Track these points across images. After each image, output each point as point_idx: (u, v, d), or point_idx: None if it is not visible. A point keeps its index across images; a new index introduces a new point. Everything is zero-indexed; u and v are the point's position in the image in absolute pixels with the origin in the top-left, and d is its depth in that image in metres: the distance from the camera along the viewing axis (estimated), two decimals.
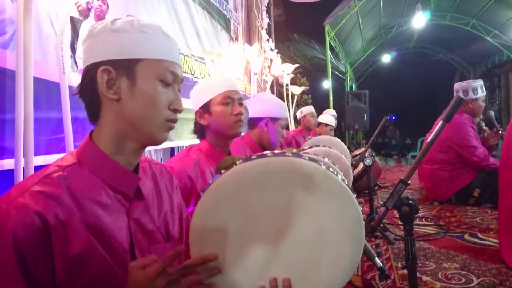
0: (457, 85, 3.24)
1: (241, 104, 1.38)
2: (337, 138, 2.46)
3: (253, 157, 0.73)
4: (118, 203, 0.72)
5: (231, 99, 1.35)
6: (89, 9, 1.66)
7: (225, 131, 1.35)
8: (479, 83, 3.15)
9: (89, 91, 0.72)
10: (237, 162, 0.74)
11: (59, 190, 0.64)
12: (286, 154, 0.74)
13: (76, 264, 0.63)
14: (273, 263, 0.74)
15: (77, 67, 1.59)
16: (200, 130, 1.40)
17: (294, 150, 1.21)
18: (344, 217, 0.73)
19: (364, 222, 0.74)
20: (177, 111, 0.76)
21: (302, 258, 0.74)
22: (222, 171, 0.74)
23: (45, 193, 0.63)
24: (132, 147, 0.74)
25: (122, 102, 0.71)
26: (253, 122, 1.90)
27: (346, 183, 0.75)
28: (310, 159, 0.73)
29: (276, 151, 0.76)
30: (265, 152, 0.75)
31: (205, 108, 1.34)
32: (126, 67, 0.70)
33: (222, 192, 0.73)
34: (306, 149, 1.78)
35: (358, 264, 0.86)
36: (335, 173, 0.73)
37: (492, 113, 3.32)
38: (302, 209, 0.73)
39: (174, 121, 0.76)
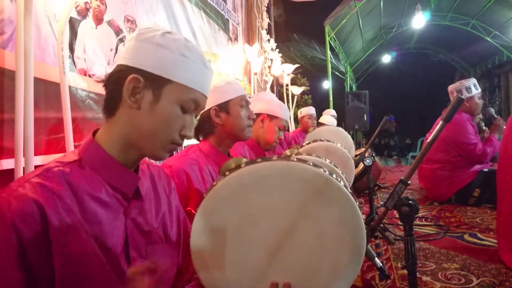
0: (450, 87, 3.24)
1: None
2: (340, 128, 2.43)
3: (258, 160, 0.74)
4: (116, 202, 0.72)
5: (246, 103, 1.37)
6: (87, 9, 1.65)
7: (239, 132, 1.35)
8: (472, 81, 3.15)
9: (113, 88, 0.73)
10: (242, 165, 0.74)
11: (59, 185, 0.65)
12: (291, 158, 0.74)
13: (72, 259, 0.63)
14: (273, 267, 0.74)
15: (75, 66, 1.58)
16: (208, 128, 1.36)
17: (296, 151, 1.22)
18: (344, 224, 0.72)
19: (365, 231, 0.73)
20: (185, 137, 0.77)
21: (302, 263, 0.73)
22: (227, 173, 0.74)
23: (44, 186, 0.63)
24: (134, 154, 0.75)
25: (139, 112, 0.71)
26: None
27: (346, 183, 0.74)
28: (314, 164, 0.73)
29: (281, 155, 0.76)
30: (270, 156, 0.75)
31: (223, 107, 1.34)
32: (155, 83, 0.71)
33: (226, 194, 0.73)
34: (304, 145, 1.77)
35: (358, 274, 0.83)
36: (338, 179, 0.73)
37: (492, 110, 3.32)
38: (302, 214, 0.72)
39: (179, 145, 0.77)
